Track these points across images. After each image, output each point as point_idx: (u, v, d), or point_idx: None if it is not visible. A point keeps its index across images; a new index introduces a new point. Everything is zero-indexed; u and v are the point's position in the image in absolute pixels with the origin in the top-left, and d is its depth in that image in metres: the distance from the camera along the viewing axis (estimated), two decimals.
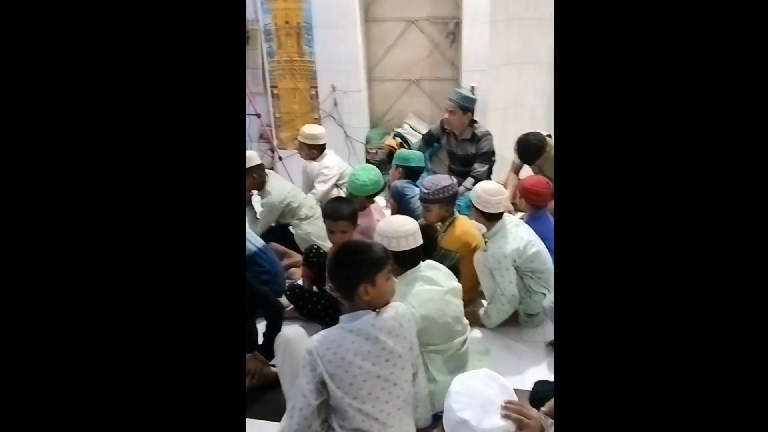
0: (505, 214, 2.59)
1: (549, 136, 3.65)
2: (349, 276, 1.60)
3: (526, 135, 3.60)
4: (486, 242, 2.61)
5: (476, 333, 2.58)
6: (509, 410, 1.14)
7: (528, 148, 3.59)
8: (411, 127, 4.33)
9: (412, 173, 3.34)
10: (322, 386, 1.54)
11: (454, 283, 2.11)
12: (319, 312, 2.54)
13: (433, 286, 2.01)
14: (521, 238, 2.50)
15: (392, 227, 2.04)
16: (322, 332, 1.59)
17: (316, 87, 4.38)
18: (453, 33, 4.18)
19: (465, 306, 2.59)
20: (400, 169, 3.37)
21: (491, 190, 2.53)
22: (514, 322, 2.61)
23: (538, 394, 1.93)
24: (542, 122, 4.15)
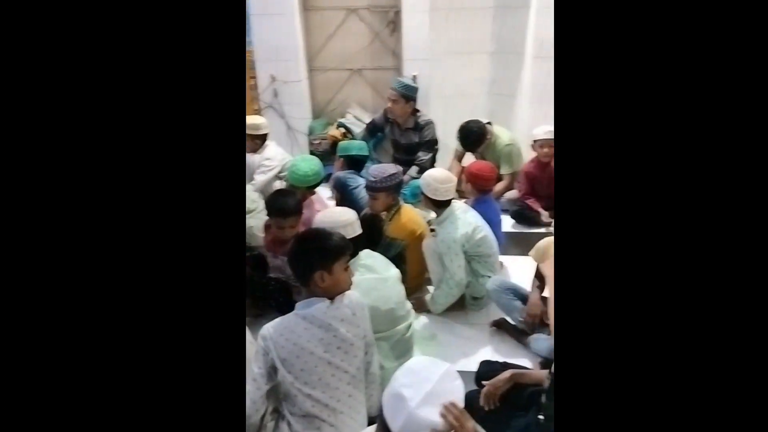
0: (453, 200, 2.62)
1: (489, 123, 3.72)
2: (306, 262, 1.62)
3: (468, 123, 3.66)
4: (432, 229, 2.63)
5: (423, 319, 2.61)
6: (449, 412, 1.12)
7: (470, 136, 3.65)
8: (354, 116, 4.30)
9: (355, 163, 3.31)
10: (273, 371, 1.57)
11: (393, 270, 2.13)
12: (272, 293, 2.50)
13: (373, 274, 2.03)
14: (469, 223, 2.55)
15: (330, 218, 2.05)
16: (277, 319, 1.62)
17: (254, 77, 4.26)
18: (393, 22, 4.17)
19: (412, 293, 2.62)
20: (342, 159, 3.34)
21: (440, 177, 2.57)
22: (460, 306, 2.66)
23: (482, 374, 1.97)
24: (484, 110, 4.22)
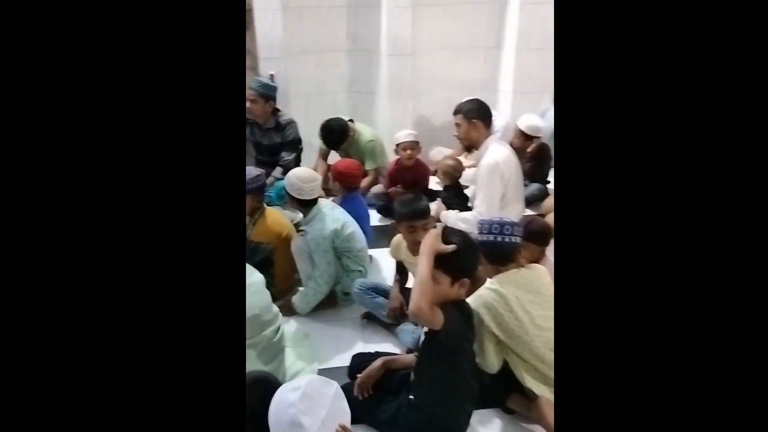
0: (319, 198, 2.63)
1: (351, 120, 3.80)
2: None
3: (329, 121, 3.70)
4: (301, 230, 2.64)
5: (295, 320, 2.59)
6: None
7: (332, 134, 3.69)
8: None
9: None
10: None
11: (256, 275, 2.08)
12: None
13: None
14: (337, 219, 2.58)
15: None
16: None
17: None
18: (246, 20, 4.06)
19: (282, 296, 2.60)
20: None
21: (304, 176, 2.56)
22: (331, 303, 2.69)
23: (355, 367, 2.03)
24: (345, 108, 4.29)
